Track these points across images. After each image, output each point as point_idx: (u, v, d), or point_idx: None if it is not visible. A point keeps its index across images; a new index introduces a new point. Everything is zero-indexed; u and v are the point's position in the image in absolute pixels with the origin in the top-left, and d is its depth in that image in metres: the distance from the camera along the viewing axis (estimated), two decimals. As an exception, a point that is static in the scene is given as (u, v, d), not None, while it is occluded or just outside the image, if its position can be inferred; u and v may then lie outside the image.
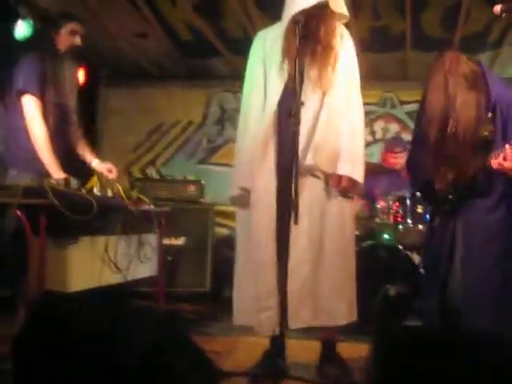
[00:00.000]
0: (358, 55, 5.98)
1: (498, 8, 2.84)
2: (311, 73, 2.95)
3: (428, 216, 3.95)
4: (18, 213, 2.78)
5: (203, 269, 5.42)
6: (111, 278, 3.38)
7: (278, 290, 2.89)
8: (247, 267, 3.06)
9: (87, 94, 6.66)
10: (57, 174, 3.56)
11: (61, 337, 2.30)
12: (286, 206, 2.78)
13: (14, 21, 4.87)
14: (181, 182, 5.82)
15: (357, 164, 3.03)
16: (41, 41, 3.97)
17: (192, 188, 5.67)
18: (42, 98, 3.72)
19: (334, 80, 3.02)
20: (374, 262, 4.53)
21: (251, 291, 3.00)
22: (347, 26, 5.28)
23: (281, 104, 2.99)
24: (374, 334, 1.98)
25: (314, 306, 2.97)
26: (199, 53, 6.33)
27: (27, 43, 4.84)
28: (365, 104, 6.55)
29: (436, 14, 5.27)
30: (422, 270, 4.22)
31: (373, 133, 6.94)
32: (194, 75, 6.87)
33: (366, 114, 6.76)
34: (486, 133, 3.12)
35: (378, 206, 4.86)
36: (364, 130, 3.16)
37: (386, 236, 4.76)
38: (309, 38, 2.90)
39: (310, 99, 2.91)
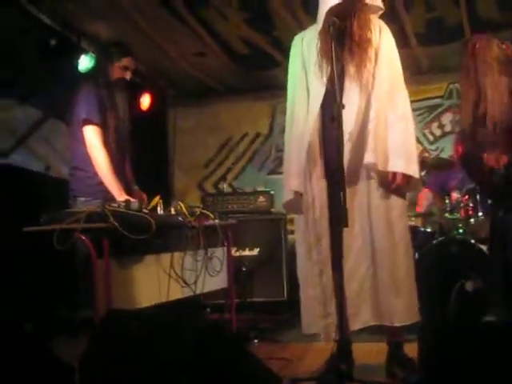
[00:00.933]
0: (415, 49, 5.98)
1: None
2: (351, 70, 2.92)
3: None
4: (83, 237, 2.92)
5: (279, 277, 5.47)
6: (179, 293, 3.46)
7: (336, 294, 2.88)
8: (306, 275, 3.08)
9: (156, 116, 6.93)
10: (121, 197, 3.70)
11: (127, 352, 2.40)
12: (337, 208, 2.77)
13: (77, 55, 5.14)
14: (251, 194, 5.88)
15: (411, 160, 2.96)
16: (97, 71, 4.14)
17: (262, 199, 5.75)
18: (103, 126, 3.89)
19: (377, 77, 2.98)
20: (447, 258, 4.45)
21: (312, 299, 3.02)
22: (400, 22, 5.32)
23: (325, 106, 2.97)
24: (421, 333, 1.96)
25: (373, 306, 2.97)
26: (258, 65, 6.41)
27: (91, 74, 5.09)
28: (430, 98, 6.73)
29: (491, -1, 5.14)
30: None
31: (441, 126, 6.80)
32: (256, 87, 6.97)
33: (433, 107, 6.80)
34: None
35: (448, 201, 4.77)
36: (413, 124, 3.08)
37: (458, 231, 4.66)
38: (344, 36, 2.88)
39: (353, 99, 2.89)
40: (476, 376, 1.97)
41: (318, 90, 2.99)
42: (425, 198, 5.36)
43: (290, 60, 3.23)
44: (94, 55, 5.25)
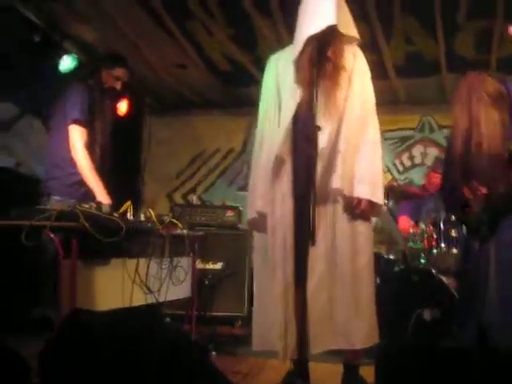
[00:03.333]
0: (393, 80, 6.12)
1: (511, 29, 2.89)
2: (325, 95, 2.96)
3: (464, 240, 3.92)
4: (52, 235, 2.92)
5: (241, 293, 5.50)
6: (142, 299, 3.48)
7: (297, 316, 2.90)
8: (265, 293, 3.09)
9: (132, 124, 6.93)
10: (103, 197, 3.75)
11: (86, 352, 2.41)
12: (303, 230, 2.80)
13: (59, 54, 5.15)
14: (219, 208, 5.92)
15: (376, 186, 3.02)
16: (89, 74, 4.15)
17: (230, 213, 5.78)
18: (90, 127, 3.93)
19: (349, 101, 3.03)
20: (408, 286, 4.53)
21: (270, 317, 3.02)
22: (380, 53, 5.45)
23: (296, 127, 3.01)
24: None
25: (334, 330, 2.98)
26: (238, 81, 6.49)
27: (72, 74, 5.10)
28: (403, 129, 6.87)
29: (469, 37, 5.31)
30: (456, 295, 4.20)
31: (412, 157, 6.94)
32: (234, 103, 7.02)
33: (405, 138, 6.94)
34: None
35: (412, 231, 4.88)
36: (381, 153, 3.14)
37: (420, 260, 4.75)
38: (320, 62, 2.92)
39: (326, 122, 2.92)
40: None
41: (290, 110, 3.01)
42: (405, 224, 5.42)
43: (264, 80, 3.26)
44: (76, 56, 5.28)
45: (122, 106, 6.35)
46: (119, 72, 4.09)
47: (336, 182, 2.99)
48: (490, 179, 3.20)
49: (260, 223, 3.13)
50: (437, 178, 5.29)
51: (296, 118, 3.01)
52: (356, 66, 3.11)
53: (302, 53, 2.93)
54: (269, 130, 3.13)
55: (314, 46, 2.83)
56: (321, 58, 2.91)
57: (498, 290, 3.12)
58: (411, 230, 4.90)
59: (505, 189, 3.15)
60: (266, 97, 3.22)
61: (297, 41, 2.98)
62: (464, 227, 3.81)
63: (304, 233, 2.81)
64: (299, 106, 2.99)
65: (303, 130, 2.89)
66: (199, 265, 5.22)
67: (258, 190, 3.10)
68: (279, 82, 3.16)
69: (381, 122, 3.24)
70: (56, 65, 5.17)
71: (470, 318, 3.30)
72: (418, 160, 6.90)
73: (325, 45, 2.91)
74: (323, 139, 2.92)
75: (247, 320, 5.27)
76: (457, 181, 3.37)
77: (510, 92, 3.28)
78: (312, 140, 2.69)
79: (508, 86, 3.31)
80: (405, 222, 5.36)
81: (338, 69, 2.98)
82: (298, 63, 2.99)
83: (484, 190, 3.25)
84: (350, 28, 3.03)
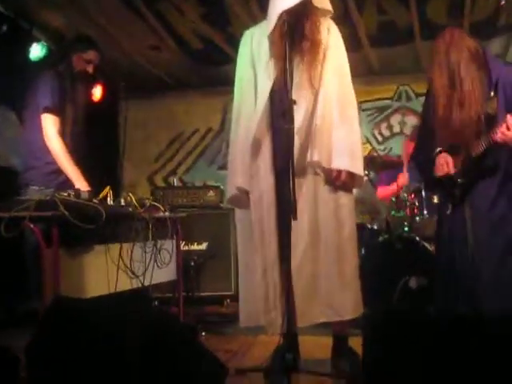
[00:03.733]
0: (368, 51, 6.11)
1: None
2: (300, 70, 2.96)
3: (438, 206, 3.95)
4: (31, 225, 2.90)
5: (227, 272, 5.49)
6: (127, 284, 3.47)
7: (283, 289, 2.90)
8: (250, 268, 3.10)
9: (108, 109, 6.86)
10: (81, 184, 3.71)
11: (71, 341, 2.39)
12: (286, 204, 2.79)
13: (28, 43, 5.07)
14: (200, 188, 5.89)
15: (355, 157, 3.03)
16: (59, 60, 4.09)
17: (211, 193, 5.75)
18: (62, 116, 3.89)
19: (325, 75, 3.03)
20: (392, 255, 4.56)
21: (256, 292, 3.04)
22: (353, 25, 5.43)
23: (273, 103, 3.02)
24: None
25: (320, 303, 3.01)
26: (212, 61, 6.44)
27: (42, 62, 5.03)
28: (380, 99, 6.88)
29: (441, 4, 5.30)
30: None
31: (390, 127, 6.96)
32: (209, 83, 6.98)
33: (382, 108, 6.94)
34: (490, 111, 3.16)
35: (394, 200, 4.90)
36: (359, 123, 3.14)
37: (403, 228, 4.78)
38: (295, 36, 2.91)
39: (302, 97, 2.91)
40: (419, 369, 2.04)
41: (266, 85, 3.01)
42: (385, 194, 5.44)
43: (239, 55, 3.25)
44: (45, 44, 5.20)
45: (97, 92, 6.29)
46: (90, 55, 4.03)
47: (314, 155, 3.00)
48: (468, 141, 3.21)
49: (241, 200, 3.13)
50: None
51: (272, 94, 3.00)
52: (331, 41, 3.10)
53: (275, 27, 2.90)
54: (245, 106, 3.12)
55: (288, 20, 2.80)
56: (295, 33, 2.90)
57: (475, 253, 3.16)
58: (393, 199, 4.92)
59: (480, 152, 3.16)
60: (241, 73, 3.20)
61: (270, 15, 2.96)
62: (436, 193, 3.83)
63: (286, 207, 2.80)
64: (275, 82, 2.98)
65: (280, 105, 2.88)
66: (184, 247, 5.23)
67: (238, 167, 3.09)
68: (254, 57, 3.14)
69: (357, 94, 3.24)
70: (26, 54, 5.09)
71: (449, 283, 3.34)
72: (396, 129, 6.92)
73: (299, 19, 2.90)
74: (300, 114, 2.92)
75: (235, 298, 5.27)
76: (432, 150, 3.37)
77: (485, 52, 3.28)
78: (288, 114, 2.67)
79: (483, 47, 3.31)
80: (384, 191, 5.39)
81: (313, 43, 2.98)
82: (272, 38, 2.97)
83: (461, 156, 3.26)
84: (323, 1, 3.02)
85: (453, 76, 3.20)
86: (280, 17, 2.85)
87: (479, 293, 3.12)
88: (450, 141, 3.29)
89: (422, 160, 3.55)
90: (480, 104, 3.16)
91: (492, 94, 3.17)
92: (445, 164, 3.30)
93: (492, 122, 3.11)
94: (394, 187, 5.28)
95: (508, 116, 2.96)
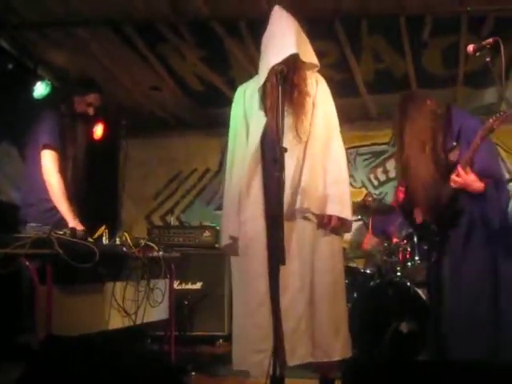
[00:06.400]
0: (365, 97, 6.23)
1: (470, 48, 3.02)
2: (290, 120, 3.10)
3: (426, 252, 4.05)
4: (27, 263, 2.95)
5: (221, 312, 5.53)
6: (120, 322, 3.51)
7: (273, 332, 2.93)
8: (242, 312, 3.17)
9: (109, 147, 6.96)
10: (73, 222, 3.76)
11: (64, 378, 2.43)
12: (276, 249, 2.85)
13: (33, 81, 5.19)
14: (196, 228, 5.96)
15: (345, 203, 3.16)
16: (61, 101, 4.20)
17: (207, 234, 5.82)
18: (61, 152, 3.97)
19: (313, 126, 3.17)
20: (384, 300, 4.60)
21: (246, 335, 3.11)
22: (350, 71, 5.56)
23: (264, 150, 3.14)
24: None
25: (310, 343, 3.06)
26: (212, 102, 6.54)
27: (45, 100, 5.13)
28: (376, 144, 6.96)
29: (436, 54, 5.42)
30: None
31: (386, 172, 7.03)
32: (208, 123, 7.05)
33: (379, 153, 7.04)
34: (453, 159, 3.36)
35: (387, 245, 4.96)
36: (347, 171, 3.27)
37: (395, 273, 4.83)
38: (285, 88, 3.03)
39: (292, 146, 3.02)
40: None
41: (257, 136, 3.15)
42: (369, 242, 5.54)
43: (232, 109, 3.40)
44: (49, 83, 5.31)
45: (98, 130, 6.40)
46: (91, 98, 4.14)
47: (304, 202, 3.10)
48: (436, 190, 3.34)
49: (234, 247, 3.22)
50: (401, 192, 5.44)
51: (264, 143, 3.14)
52: (319, 93, 3.26)
53: (266, 80, 3.08)
54: (238, 156, 3.25)
55: (278, 73, 2.92)
56: (285, 85, 3.02)
57: (451, 301, 3.24)
58: (385, 244, 4.99)
59: (446, 198, 3.34)
60: (234, 124, 3.35)
61: (262, 70, 3.13)
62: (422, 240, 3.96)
63: (275, 252, 2.86)
64: (266, 131, 3.12)
65: (271, 153, 2.97)
66: (178, 286, 5.28)
67: (230, 216, 3.21)
68: (246, 109, 3.30)
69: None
70: (30, 92, 5.20)
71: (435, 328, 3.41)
72: (392, 174, 6.97)
73: (288, 72, 3.02)
74: (291, 161, 3.04)
75: (228, 339, 5.31)
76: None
77: (452, 117, 3.42)
78: (278, 161, 2.76)
79: (453, 112, 3.46)
80: (367, 239, 5.48)
81: (302, 95, 3.14)
82: (263, 90, 3.15)
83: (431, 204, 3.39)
84: (310, 56, 3.20)
85: (401, 140, 3.39)
86: (271, 70, 3.00)
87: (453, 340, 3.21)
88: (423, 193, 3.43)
89: (407, 209, 3.68)
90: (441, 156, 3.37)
91: (454, 143, 3.36)
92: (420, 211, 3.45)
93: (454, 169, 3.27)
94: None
95: (458, 166, 3.18)
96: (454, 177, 3.19)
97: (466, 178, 3.16)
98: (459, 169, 3.16)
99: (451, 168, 3.30)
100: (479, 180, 3.18)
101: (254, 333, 3.07)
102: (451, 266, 3.30)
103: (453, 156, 3.36)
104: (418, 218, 3.50)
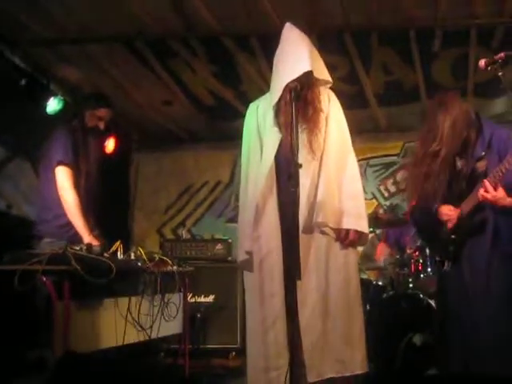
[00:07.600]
0: (375, 109, 6.26)
1: (482, 62, 3.03)
2: (304, 137, 3.11)
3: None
4: (44, 279, 2.98)
5: (234, 325, 5.54)
6: (135, 337, 3.53)
7: (289, 348, 2.94)
8: (257, 329, 3.15)
9: (120, 161, 7.02)
10: (88, 238, 3.80)
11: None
12: (293, 264, 2.87)
13: (46, 97, 5.24)
14: (209, 241, 5.99)
15: (361, 217, 3.18)
16: (72, 116, 4.25)
17: (220, 246, 5.84)
18: (75, 169, 4.01)
19: (327, 142, 3.19)
20: (397, 312, 4.60)
21: (261, 352, 3.10)
22: (360, 84, 5.59)
23: (279, 166, 3.16)
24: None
25: (330, 358, 3.06)
26: (223, 116, 6.59)
27: (58, 116, 5.19)
28: (387, 155, 6.98)
29: (445, 65, 5.45)
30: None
31: (396, 183, 7.05)
32: (219, 137, 7.10)
33: (389, 164, 7.05)
34: (480, 169, 3.32)
35: (399, 257, 4.97)
36: (361, 184, 3.29)
37: (408, 285, 4.83)
38: (299, 104, 3.05)
39: (307, 162, 3.03)
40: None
41: (271, 152, 3.17)
42: (382, 252, 5.55)
43: (245, 126, 3.41)
44: (62, 98, 5.36)
45: (110, 144, 6.46)
46: (102, 112, 4.17)
47: (321, 216, 3.10)
48: (463, 199, 3.34)
49: (250, 263, 3.21)
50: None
51: (278, 159, 3.15)
52: (331, 109, 3.28)
53: (281, 98, 3.09)
54: (252, 173, 3.26)
55: (293, 90, 2.96)
56: (299, 101, 3.04)
57: (475, 312, 3.22)
58: (397, 256, 4.99)
59: (469, 209, 3.32)
60: (248, 141, 3.36)
61: (275, 88, 3.15)
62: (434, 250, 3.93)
63: (292, 266, 2.88)
64: (281, 147, 3.14)
65: (286, 169, 2.99)
66: (191, 299, 5.29)
67: (246, 232, 3.20)
68: (259, 125, 3.31)
69: (365, 150, 3.40)
70: (43, 107, 5.26)
71: (452, 341, 3.39)
72: (402, 185, 6.99)
73: (302, 89, 3.05)
74: (306, 177, 3.06)
75: (241, 351, 5.31)
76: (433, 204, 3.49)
77: (483, 125, 3.41)
78: (293, 177, 2.79)
79: (482, 120, 3.45)
80: (380, 250, 5.48)
81: (316, 111, 3.16)
82: (277, 107, 3.16)
83: (458, 211, 3.38)
84: (323, 72, 3.23)
85: (436, 134, 3.37)
86: (285, 87, 3.02)
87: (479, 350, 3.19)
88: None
89: (418, 217, 3.67)
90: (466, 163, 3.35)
91: (483, 153, 3.33)
92: (449, 212, 3.43)
93: (481, 180, 3.24)
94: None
95: (485, 180, 3.14)
96: (482, 192, 3.15)
97: (496, 195, 3.13)
98: (487, 184, 3.13)
99: (476, 177, 3.29)
100: (508, 196, 3.15)
101: (269, 349, 3.06)
102: (473, 274, 3.27)
103: (480, 166, 3.33)
104: (448, 216, 3.45)
